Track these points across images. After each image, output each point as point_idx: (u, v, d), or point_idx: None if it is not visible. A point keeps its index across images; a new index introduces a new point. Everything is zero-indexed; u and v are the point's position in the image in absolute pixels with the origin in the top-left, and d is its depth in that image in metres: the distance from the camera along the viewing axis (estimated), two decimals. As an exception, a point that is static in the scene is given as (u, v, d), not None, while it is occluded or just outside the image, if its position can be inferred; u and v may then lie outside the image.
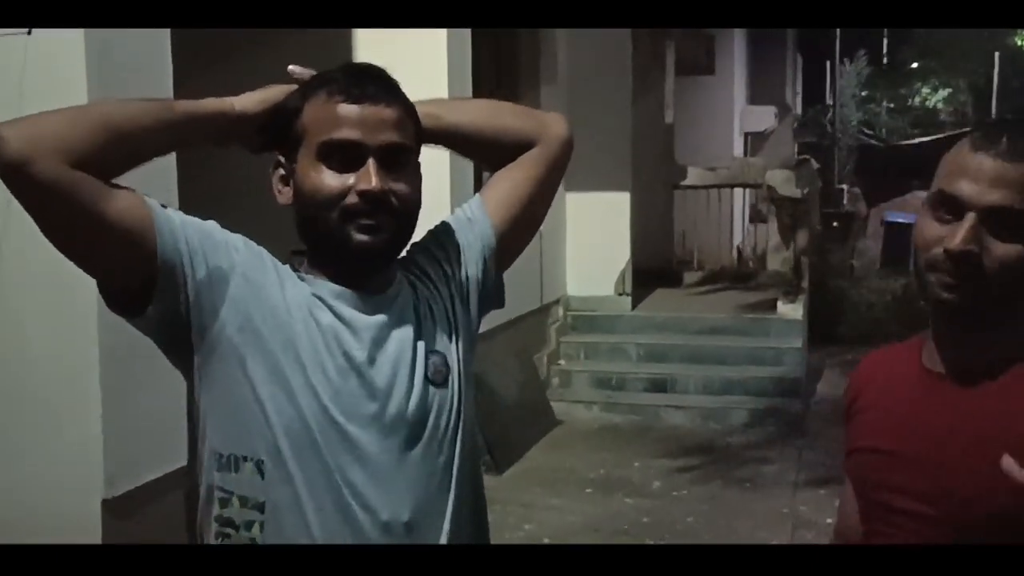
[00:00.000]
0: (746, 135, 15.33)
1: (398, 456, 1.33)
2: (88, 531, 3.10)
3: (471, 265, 1.51)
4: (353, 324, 1.35)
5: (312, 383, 1.30)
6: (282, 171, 1.40)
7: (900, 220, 13.42)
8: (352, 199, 1.32)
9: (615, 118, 8.20)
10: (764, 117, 15.43)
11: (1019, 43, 16.96)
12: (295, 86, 1.41)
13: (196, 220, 1.35)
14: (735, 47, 13.67)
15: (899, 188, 14.86)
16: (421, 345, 1.39)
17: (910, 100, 24.42)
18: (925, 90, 24.92)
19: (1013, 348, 1.26)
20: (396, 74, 5.48)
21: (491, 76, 7.01)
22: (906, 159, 17.28)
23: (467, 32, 5.99)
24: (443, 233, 1.53)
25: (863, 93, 20.50)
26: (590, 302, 8.09)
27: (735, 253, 11.16)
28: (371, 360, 1.34)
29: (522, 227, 1.58)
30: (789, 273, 8.29)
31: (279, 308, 1.33)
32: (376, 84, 1.36)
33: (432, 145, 1.52)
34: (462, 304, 1.49)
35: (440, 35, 5.72)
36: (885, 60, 23.04)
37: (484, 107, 1.60)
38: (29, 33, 3.00)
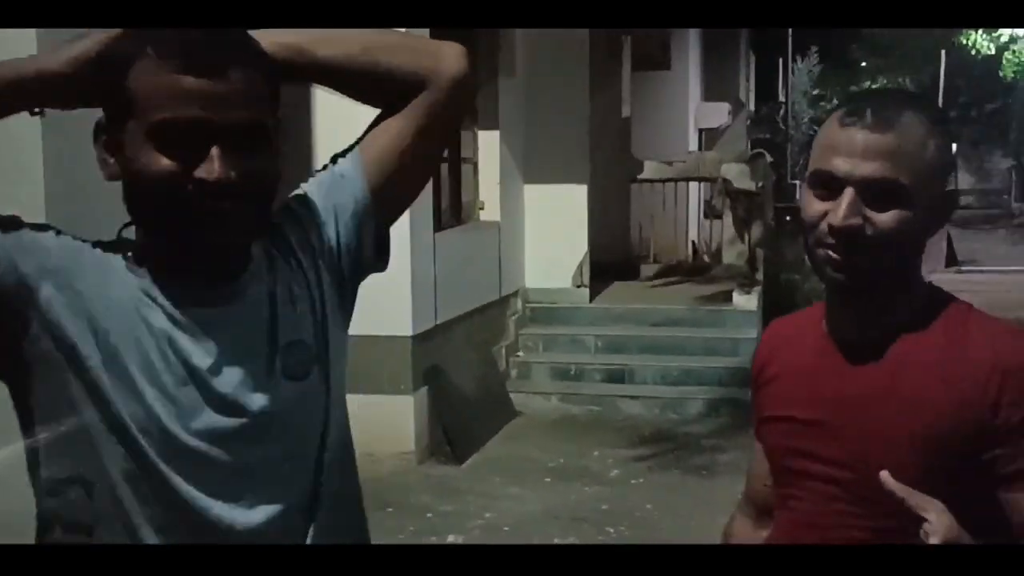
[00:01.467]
0: (700, 131, 15.48)
1: (252, 463, 1.19)
2: None
3: (343, 230, 1.32)
4: (192, 325, 1.17)
5: (145, 398, 1.14)
6: (106, 138, 1.18)
7: (852, 215, 13.66)
8: (192, 188, 1.13)
9: (572, 112, 8.25)
10: (718, 113, 15.57)
11: (964, 42, 17.34)
12: (116, 31, 1.17)
13: (7, 219, 1.17)
14: (690, 43, 13.78)
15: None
16: (277, 337, 1.22)
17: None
18: (874, 88, 25.44)
19: (907, 312, 1.32)
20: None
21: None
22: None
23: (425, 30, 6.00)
24: (313, 194, 1.34)
25: (815, 91, 20.82)
26: (548, 294, 8.14)
27: (690, 247, 11.28)
28: (215, 365, 1.17)
29: (404, 184, 1.37)
30: (744, 265, 8.40)
31: (100, 315, 1.15)
32: (220, 47, 1.15)
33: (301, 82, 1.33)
34: (332, 277, 1.31)
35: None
36: (836, 57, 23.43)
37: (365, 40, 1.32)
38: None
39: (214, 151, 1.12)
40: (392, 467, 5.76)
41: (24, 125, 2.90)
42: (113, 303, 1.16)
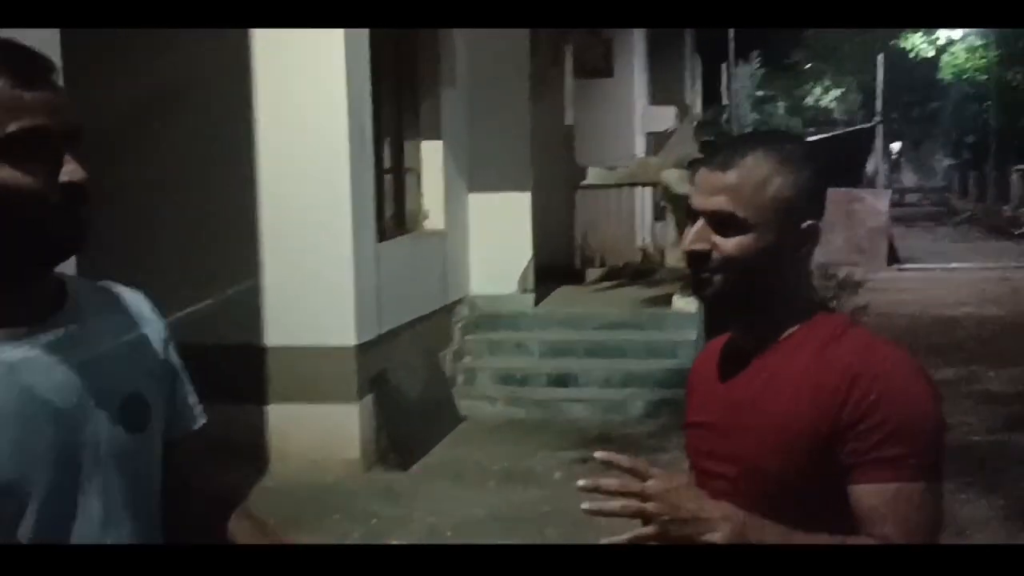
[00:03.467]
0: (648, 135, 15.71)
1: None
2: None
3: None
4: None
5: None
6: None
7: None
8: (58, 196, 1.15)
9: (514, 120, 8.39)
10: (664, 117, 15.80)
11: (901, 45, 17.76)
12: None
13: None
14: (634, 49, 14.00)
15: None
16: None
17: (804, 100, 25.37)
18: (817, 90, 25.90)
19: (783, 327, 1.49)
20: (295, 77, 5.55)
21: (391, 80, 7.12)
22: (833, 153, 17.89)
23: (365, 34, 6.10)
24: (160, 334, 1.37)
25: (759, 93, 21.21)
26: (494, 300, 8.27)
27: (639, 250, 11.48)
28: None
29: None
30: (686, 268, 8.59)
31: None
32: (39, 60, 1.18)
33: None
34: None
35: (337, 36, 5.82)
36: (778, 61, 23.88)
37: None
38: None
39: (68, 156, 1.16)
40: (338, 474, 5.84)
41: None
42: None
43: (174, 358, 1.38)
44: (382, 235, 6.68)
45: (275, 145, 5.94)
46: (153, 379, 1.32)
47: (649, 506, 1.30)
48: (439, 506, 5.48)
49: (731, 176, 1.42)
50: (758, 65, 20.35)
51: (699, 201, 1.45)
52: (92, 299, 1.29)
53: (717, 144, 1.52)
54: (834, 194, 14.78)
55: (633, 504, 1.30)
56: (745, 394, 1.47)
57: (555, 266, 9.40)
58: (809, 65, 24.52)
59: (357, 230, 6.03)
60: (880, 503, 1.35)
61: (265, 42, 5.84)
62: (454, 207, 8.05)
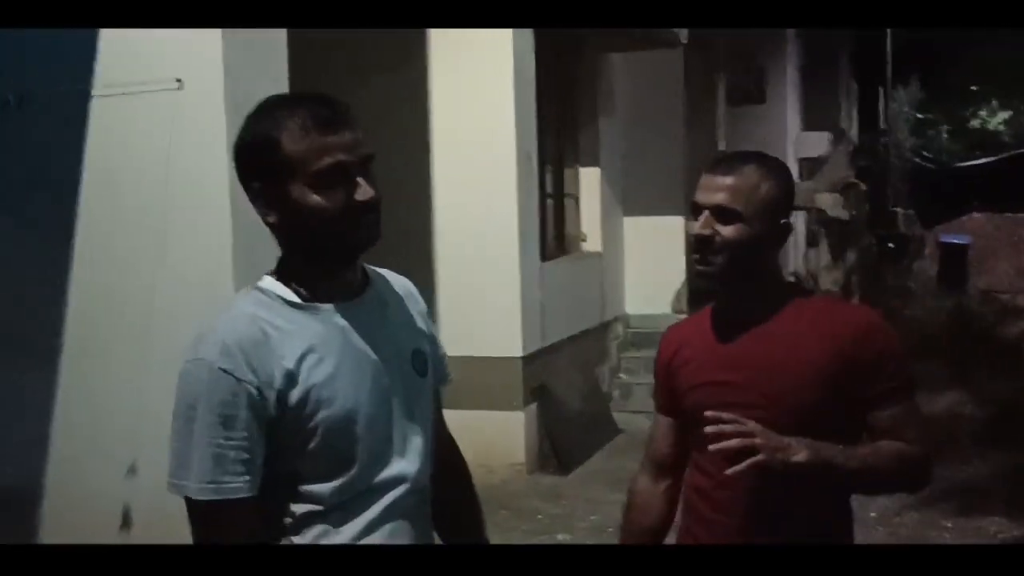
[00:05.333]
0: (801, 161, 15.67)
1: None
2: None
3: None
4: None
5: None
6: (265, 197, 1.56)
7: (955, 241, 13.54)
8: (355, 211, 1.53)
9: (669, 147, 8.73)
10: (819, 143, 15.73)
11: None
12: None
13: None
14: (787, 75, 14.07)
15: (955, 209, 14.99)
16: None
17: (969, 123, 24.49)
18: (983, 113, 24.94)
19: (773, 300, 1.92)
20: (468, 108, 6.15)
21: (553, 110, 7.60)
22: (962, 181, 17.39)
23: (531, 66, 6.57)
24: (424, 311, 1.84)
25: (919, 116, 20.66)
26: (648, 320, 8.57)
27: (792, 275, 11.53)
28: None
29: None
30: (839, 291, 8.69)
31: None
32: (335, 106, 1.56)
33: None
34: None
35: (507, 68, 6.32)
36: (939, 83, 23.18)
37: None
38: (180, 87, 3.65)
39: (360, 180, 1.54)
40: (504, 476, 6.29)
41: (212, 176, 3.54)
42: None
43: (432, 326, 1.83)
44: (545, 256, 7.13)
45: (449, 171, 6.50)
46: (424, 338, 1.76)
47: (758, 439, 1.66)
48: (599, 507, 5.83)
49: (731, 179, 1.87)
50: (918, 88, 19.89)
51: (704, 197, 1.88)
52: (382, 280, 1.74)
53: (718, 155, 1.99)
54: (1000, 219, 14.34)
55: (746, 433, 1.67)
56: (765, 349, 1.86)
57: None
58: (975, 87, 23.76)
59: (523, 250, 6.50)
60: (902, 416, 1.84)
61: (441, 73, 6.41)
62: (610, 230, 8.44)
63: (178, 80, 3.56)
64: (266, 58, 3.71)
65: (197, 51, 3.54)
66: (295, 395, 1.53)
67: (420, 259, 6.53)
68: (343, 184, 1.53)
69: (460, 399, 6.56)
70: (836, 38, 16.57)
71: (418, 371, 1.70)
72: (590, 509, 5.79)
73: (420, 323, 1.78)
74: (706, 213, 1.87)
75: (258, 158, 1.55)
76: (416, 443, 1.67)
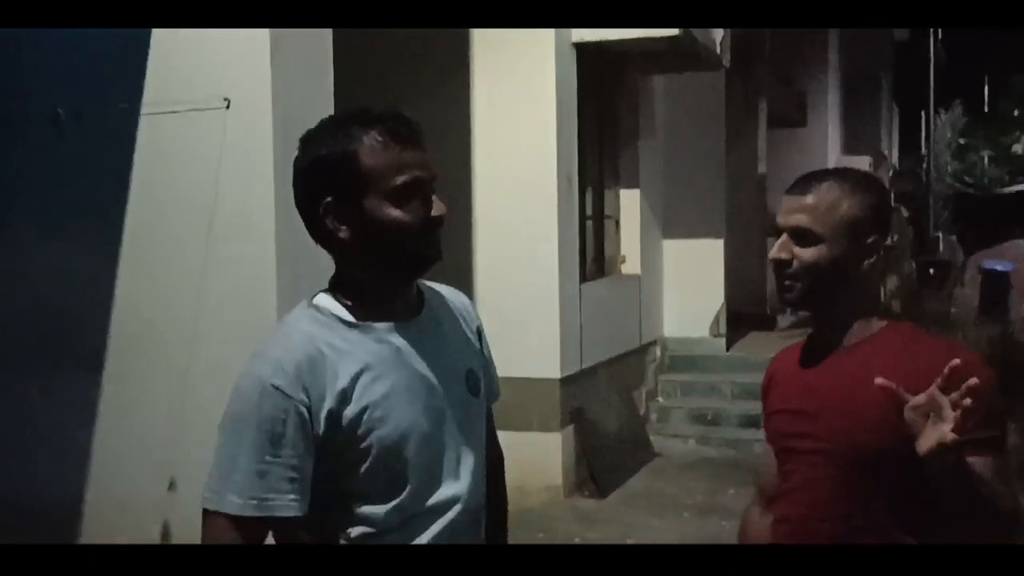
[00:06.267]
0: (840, 185, 15.56)
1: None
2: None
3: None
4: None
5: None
6: (337, 211, 1.55)
7: (998, 268, 13.36)
8: (429, 226, 1.56)
9: (709, 170, 8.70)
10: (859, 166, 15.63)
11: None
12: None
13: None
14: (828, 99, 14.01)
15: (998, 236, 14.81)
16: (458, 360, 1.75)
17: (1011, 148, 24.22)
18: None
19: (863, 329, 1.79)
20: (510, 130, 6.14)
21: (594, 132, 7.61)
22: (1005, 207, 17.19)
23: (573, 87, 6.58)
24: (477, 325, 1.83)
25: (961, 141, 20.47)
26: (686, 343, 8.52)
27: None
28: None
29: None
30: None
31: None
32: (410, 124, 1.57)
33: None
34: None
35: (550, 90, 6.34)
36: (983, 109, 22.96)
37: None
38: (227, 106, 3.69)
39: (434, 197, 1.58)
40: (541, 499, 6.25)
41: (257, 195, 3.56)
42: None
43: (486, 343, 1.81)
44: (584, 277, 7.11)
45: (490, 191, 6.51)
46: (478, 357, 1.75)
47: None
48: (636, 532, 5.78)
49: (807, 198, 1.77)
50: (960, 113, 19.71)
51: (782, 219, 1.80)
52: (437, 298, 1.73)
53: (802, 176, 1.85)
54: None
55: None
56: (835, 381, 1.76)
57: (746, 312, 9.55)
58: (1017, 112, 23.49)
59: (563, 272, 6.49)
60: (987, 473, 1.63)
61: (484, 94, 6.44)
62: (649, 252, 8.41)
63: (226, 99, 3.59)
64: (313, 79, 3.75)
65: (246, 71, 3.58)
66: (348, 415, 1.52)
67: (460, 279, 6.53)
68: (420, 199, 1.55)
69: (497, 420, 6.58)
70: (877, 61, 16.49)
71: (472, 391, 1.69)
72: (626, 533, 5.74)
73: (474, 341, 1.77)
74: (784, 236, 1.79)
75: (334, 172, 1.54)
76: (469, 464, 1.66)
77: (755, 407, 8.23)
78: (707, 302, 8.71)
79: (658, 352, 8.51)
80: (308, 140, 1.59)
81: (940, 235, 15.87)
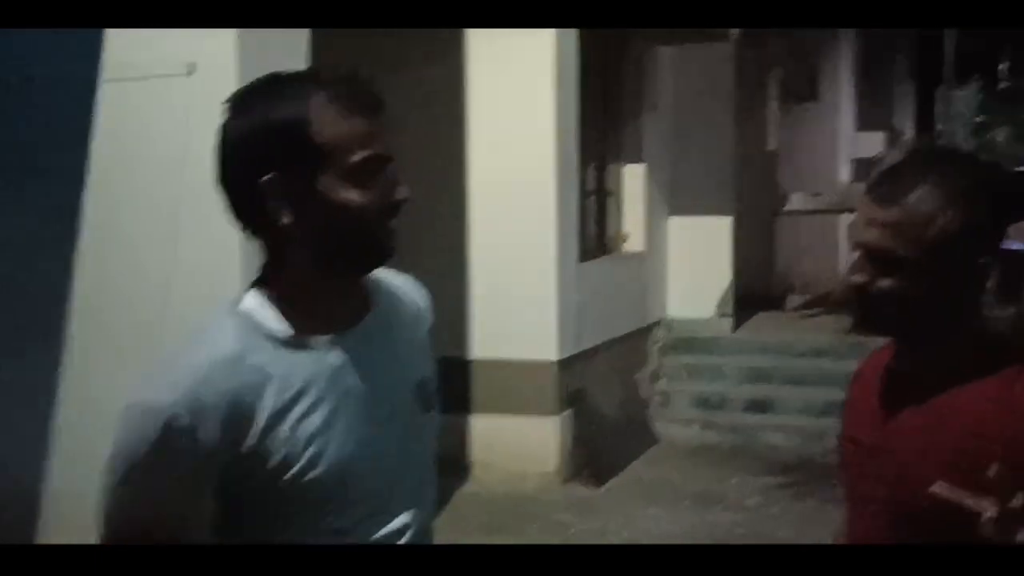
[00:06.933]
0: (854, 161, 15.24)
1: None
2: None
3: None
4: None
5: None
6: (282, 190, 1.28)
7: (1014, 248, 13.13)
8: (391, 212, 1.32)
9: (717, 144, 8.39)
10: (872, 143, 15.28)
11: None
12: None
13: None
14: (841, 73, 13.64)
15: (1014, 215, 14.52)
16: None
17: (1030, 125, 23.78)
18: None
19: (954, 362, 1.41)
20: (505, 102, 5.85)
21: (596, 104, 7.32)
22: (1022, 185, 16.84)
23: (574, 59, 6.30)
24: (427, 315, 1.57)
25: (978, 119, 20.03)
26: (691, 324, 8.27)
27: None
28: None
29: None
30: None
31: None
32: (372, 89, 1.32)
33: None
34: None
35: (548, 61, 6.06)
36: (1005, 84, 22.49)
37: None
38: (189, 73, 3.44)
39: (399, 177, 1.32)
40: (536, 485, 6.03)
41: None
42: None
43: (431, 346, 1.54)
44: (584, 255, 6.86)
45: (485, 166, 6.24)
46: (431, 361, 1.50)
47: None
48: (634, 522, 5.56)
49: (893, 212, 1.35)
50: (977, 89, 19.26)
51: (857, 233, 1.39)
52: (387, 294, 1.45)
53: (884, 171, 1.42)
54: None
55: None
56: (913, 417, 1.42)
57: (754, 292, 9.28)
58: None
59: (560, 249, 6.23)
60: None
61: (478, 65, 6.16)
62: (654, 230, 8.14)
63: (190, 65, 3.35)
64: (284, 44, 3.48)
65: (210, 34, 3.32)
66: (277, 455, 1.28)
67: (453, 257, 6.29)
68: (379, 180, 1.30)
69: (493, 402, 6.40)
70: (893, 35, 16.10)
71: (424, 406, 1.45)
72: (623, 523, 5.52)
73: (426, 345, 1.51)
74: (859, 253, 1.39)
75: (281, 142, 1.26)
76: (419, 490, 1.43)
77: (761, 391, 8.05)
78: (714, 281, 8.44)
79: (662, 333, 8.25)
80: (243, 101, 1.31)
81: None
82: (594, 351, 6.85)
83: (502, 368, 6.25)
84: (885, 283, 1.38)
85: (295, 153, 1.26)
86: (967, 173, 1.41)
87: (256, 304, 1.34)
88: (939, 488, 1.26)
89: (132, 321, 3.73)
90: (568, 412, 6.40)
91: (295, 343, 1.32)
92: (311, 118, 1.26)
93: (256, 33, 3.39)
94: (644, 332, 7.95)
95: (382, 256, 1.35)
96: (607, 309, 7.12)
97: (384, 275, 1.47)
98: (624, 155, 7.85)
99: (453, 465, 6.14)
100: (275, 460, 1.28)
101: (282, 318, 1.33)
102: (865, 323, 1.44)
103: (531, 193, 6.15)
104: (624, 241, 7.90)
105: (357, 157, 1.27)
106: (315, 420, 1.30)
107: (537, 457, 6.17)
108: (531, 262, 6.16)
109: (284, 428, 1.29)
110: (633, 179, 7.92)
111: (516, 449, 6.16)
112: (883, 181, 1.40)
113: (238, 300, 1.35)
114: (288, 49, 3.52)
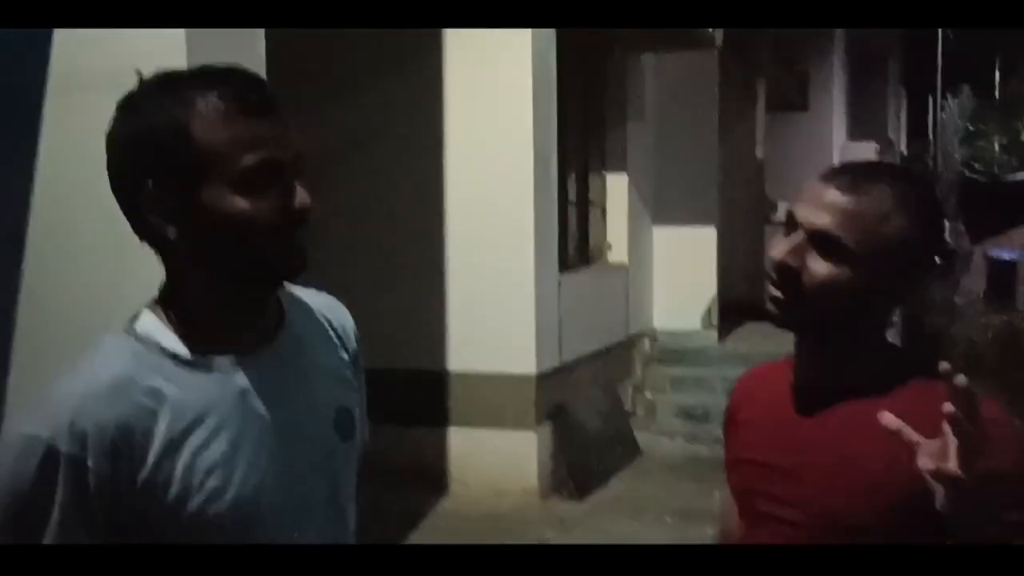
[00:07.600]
0: (845, 171, 15.20)
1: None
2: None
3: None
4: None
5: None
6: (160, 202, 1.17)
7: (1005, 256, 13.08)
8: (289, 222, 1.18)
9: (701, 154, 8.31)
10: (864, 152, 15.23)
11: None
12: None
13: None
14: (832, 82, 13.59)
15: (1005, 224, 14.48)
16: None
17: (1022, 134, 23.71)
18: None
19: (866, 371, 1.34)
20: (482, 111, 5.70)
21: (578, 112, 7.21)
22: (1014, 194, 16.78)
23: (552, 67, 6.20)
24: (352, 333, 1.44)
25: (970, 128, 20.01)
26: (676, 335, 8.16)
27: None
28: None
29: None
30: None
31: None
32: (263, 86, 1.20)
33: None
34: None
35: (525, 69, 5.96)
36: (994, 93, 22.49)
37: None
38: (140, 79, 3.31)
39: (297, 185, 1.19)
40: (515, 502, 5.90)
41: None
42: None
43: (361, 373, 1.42)
44: (564, 266, 6.74)
45: (462, 175, 6.13)
46: (352, 390, 1.37)
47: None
48: (614, 538, 5.43)
49: (850, 200, 1.30)
50: (969, 98, 19.24)
51: (805, 213, 1.31)
52: (302, 313, 1.34)
53: (844, 165, 1.37)
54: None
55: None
56: (825, 435, 1.34)
57: (741, 302, 9.17)
58: (1028, 97, 23.06)
59: (539, 260, 6.11)
60: None
61: (455, 71, 6.06)
62: (638, 240, 8.03)
63: (138, 72, 3.22)
64: (238, 48, 3.35)
65: (157, 34, 3.19)
66: (174, 487, 1.16)
67: (429, 268, 6.18)
68: (276, 187, 1.17)
69: (471, 417, 6.27)
70: (884, 43, 16.06)
71: (343, 435, 1.32)
72: (603, 539, 5.39)
73: (347, 370, 1.38)
74: (800, 235, 1.31)
75: (157, 149, 1.15)
76: (335, 524, 1.31)
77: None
78: (699, 292, 8.35)
79: (647, 344, 8.14)
80: (127, 105, 1.20)
81: (947, 222, 15.47)
82: (576, 363, 6.73)
83: (480, 381, 6.12)
84: (822, 271, 1.30)
85: (172, 161, 1.16)
86: (918, 180, 1.41)
87: (152, 322, 1.22)
88: (886, 419, 1.17)
89: (77, 332, 3.60)
90: (548, 425, 6.27)
91: (194, 364, 1.20)
92: (191, 122, 1.15)
93: (206, 39, 3.28)
94: (628, 344, 7.84)
95: (285, 272, 1.23)
96: (589, 321, 7.01)
97: (302, 293, 1.36)
98: (608, 165, 7.76)
99: (431, 480, 6.01)
100: (173, 493, 1.17)
101: (180, 338, 1.21)
102: (781, 308, 1.33)
103: (509, 204, 6.04)
104: (608, 252, 7.80)
105: (243, 163, 1.15)
106: (217, 448, 1.19)
107: (516, 472, 6.04)
108: (509, 274, 6.04)
109: (182, 457, 1.17)
110: (617, 189, 7.82)
111: (495, 464, 6.03)
112: (846, 171, 1.35)
113: (134, 318, 1.24)
114: (242, 54, 3.40)
